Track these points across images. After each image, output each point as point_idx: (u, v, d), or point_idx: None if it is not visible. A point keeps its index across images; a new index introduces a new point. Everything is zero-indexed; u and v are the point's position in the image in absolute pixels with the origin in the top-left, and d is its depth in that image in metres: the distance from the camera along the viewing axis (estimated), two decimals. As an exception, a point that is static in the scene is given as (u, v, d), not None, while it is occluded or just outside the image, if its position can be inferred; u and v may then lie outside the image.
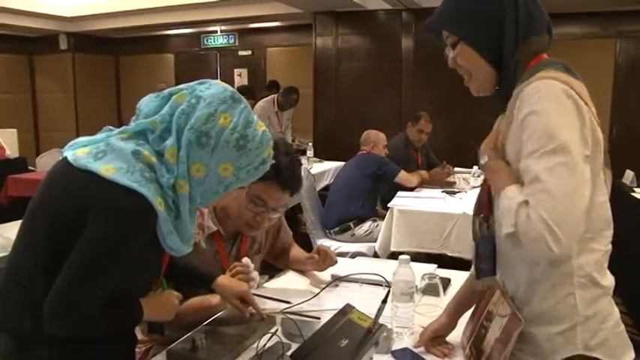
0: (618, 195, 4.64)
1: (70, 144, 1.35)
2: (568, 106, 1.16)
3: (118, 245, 1.23)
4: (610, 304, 1.28)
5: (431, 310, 1.84)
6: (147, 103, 1.37)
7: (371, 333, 1.44)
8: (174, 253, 1.36)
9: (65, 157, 1.31)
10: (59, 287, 1.22)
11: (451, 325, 1.61)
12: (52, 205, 1.28)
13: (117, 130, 1.36)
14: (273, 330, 1.67)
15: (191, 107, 1.30)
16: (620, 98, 6.97)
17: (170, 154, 1.28)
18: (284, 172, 1.87)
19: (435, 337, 1.60)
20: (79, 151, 1.30)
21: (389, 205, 3.98)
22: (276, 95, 7.03)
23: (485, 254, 1.38)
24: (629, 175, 4.64)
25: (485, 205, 1.36)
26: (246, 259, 1.97)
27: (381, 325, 1.52)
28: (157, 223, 1.26)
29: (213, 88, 1.34)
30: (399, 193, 4.28)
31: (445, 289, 2.01)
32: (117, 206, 1.21)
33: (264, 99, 6.92)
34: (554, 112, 1.16)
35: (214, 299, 1.83)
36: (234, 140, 1.30)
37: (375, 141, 4.68)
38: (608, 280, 1.29)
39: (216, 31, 9.82)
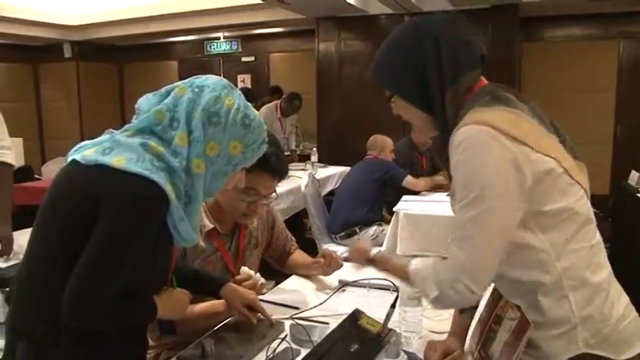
0: (624, 196, 4.63)
1: (74, 148, 1.38)
2: (491, 151, 1.20)
3: (132, 232, 1.25)
4: (607, 299, 1.27)
5: (438, 314, 1.84)
6: (146, 102, 1.42)
7: (381, 338, 1.44)
8: (184, 243, 1.39)
9: (72, 160, 1.34)
10: (77, 279, 1.23)
11: (462, 338, 1.61)
12: (62, 205, 1.31)
13: (120, 130, 1.39)
14: (282, 336, 1.68)
15: (197, 95, 1.37)
16: (624, 99, 6.97)
17: (180, 138, 1.33)
18: (271, 160, 1.91)
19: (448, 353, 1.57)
20: (86, 152, 1.32)
21: (394, 209, 3.99)
22: (278, 101, 7.04)
23: None
24: (634, 177, 4.63)
25: None
26: (244, 269, 1.98)
27: (391, 329, 1.52)
28: (169, 211, 1.29)
29: (211, 78, 1.43)
30: (404, 197, 4.28)
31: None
32: (130, 193, 1.24)
33: (267, 105, 6.92)
34: (473, 162, 1.21)
35: (222, 306, 1.84)
36: (240, 119, 1.39)
37: (382, 146, 4.68)
38: (600, 275, 1.28)
39: (219, 38, 9.85)
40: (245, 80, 9.75)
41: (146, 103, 1.41)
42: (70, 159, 1.36)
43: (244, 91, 1.49)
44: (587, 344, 1.24)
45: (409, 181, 4.51)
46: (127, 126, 1.39)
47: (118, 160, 1.27)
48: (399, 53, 1.36)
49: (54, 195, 1.35)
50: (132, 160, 1.27)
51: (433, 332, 1.75)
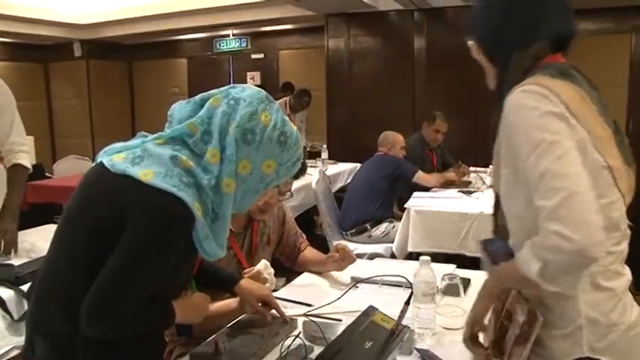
0: (636, 192, 4.58)
1: (104, 150, 1.37)
2: (543, 106, 1.17)
3: (155, 248, 1.25)
4: (618, 306, 1.24)
5: (452, 310, 1.83)
6: (179, 109, 1.39)
7: (395, 334, 1.44)
8: (208, 258, 1.37)
9: (101, 163, 1.32)
10: (98, 289, 1.24)
11: None
12: (90, 209, 1.30)
13: (152, 136, 1.37)
14: (295, 333, 1.68)
15: (232, 108, 1.33)
16: (636, 94, 6.90)
17: (211, 154, 1.30)
18: None
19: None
20: (115, 157, 1.31)
21: (405, 205, 3.97)
22: (288, 98, 7.04)
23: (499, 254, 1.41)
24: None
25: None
26: (264, 261, 1.99)
27: (405, 326, 1.52)
28: (194, 227, 1.28)
29: (247, 90, 1.39)
30: (415, 194, 4.27)
31: (465, 289, 2.00)
32: (156, 210, 1.23)
33: (277, 102, 6.91)
34: (534, 115, 1.17)
35: (235, 303, 1.85)
36: (276, 137, 1.35)
37: (393, 142, 4.67)
38: (619, 282, 1.26)
39: (228, 35, 9.85)
40: (255, 78, 9.75)
41: (179, 111, 1.38)
42: (98, 160, 1.35)
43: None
44: (591, 348, 1.22)
45: (421, 176, 4.49)
46: (158, 134, 1.37)
47: (145, 174, 1.25)
48: (485, 2, 1.42)
49: (81, 197, 1.35)
50: (160, 175, 1.25)
51: (447, 329, 1.74)
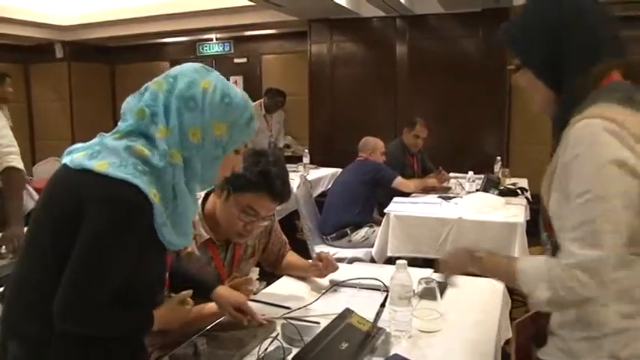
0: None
1: (67, 151, 1.40)
2: (608, 145, 1.14)
3: (115, 235, 1.26)
4: None
5: (428, 313, 1.86)
6: (126, 104, 1.41)
7: (370, 336, 1.46)
8: (171, 247, 1.39)
9: (64, 163, 1.35)
10: (66, 282, 1.25)
11: None
12: (53, 207, 1.33)
13: (110, 132, 1.40)
14: (273, 335, 1.70)
15: (171, 85, 1.36)
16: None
17: (159, 131, 1.33)
18: (275, 183, 1.92)
19: None
20: (75, 156, 1.34)
21: (385, 210, 4.01)
22: (263, 99, 7.09)
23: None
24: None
25: (548, 224, 1.34)
26: (253, 271, 1.99)
27: (380, 328, 1.54)
28: (153, 214, 1.29)
29: (185, 65, 1.42)
30: (395, 199, 4.30)
31: (442, 293, 2.03)
32: (111, 198, 1.25)
33: (253, 103, 6.92)
34: (591, 158, 1.15)
35: (211, 308, 1.86)
36: (219, 98, 1.37)
37: (374, 148, 4.71)
38: None
39: (211, 39, 9.84)
40: (237, 82, 9.73)
41: (126, 106, 1.41)
42: (62, 161, 1.37)
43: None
44: (612, 355, 1.21)
45: (400, 181, 4.53)
46: (115, 129, 1.40)
47: (100, 165, 1.28)
48: (538, 25, 1.30)
49: (47, 197, 1.37)
50: (114, 165, 1.28)
51: (422, 331, 1.77)
